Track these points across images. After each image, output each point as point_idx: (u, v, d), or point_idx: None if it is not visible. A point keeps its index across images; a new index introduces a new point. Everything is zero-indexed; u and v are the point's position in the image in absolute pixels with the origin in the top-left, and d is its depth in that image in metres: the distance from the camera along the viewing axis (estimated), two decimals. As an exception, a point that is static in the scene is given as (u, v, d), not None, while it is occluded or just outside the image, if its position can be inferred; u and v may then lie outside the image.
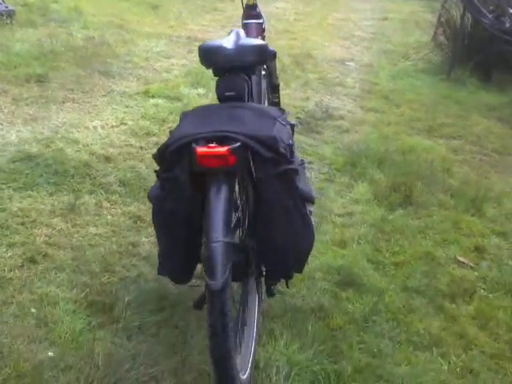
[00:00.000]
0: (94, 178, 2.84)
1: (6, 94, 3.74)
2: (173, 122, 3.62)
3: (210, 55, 1.91)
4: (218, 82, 1.90)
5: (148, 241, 2.46)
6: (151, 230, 2.50)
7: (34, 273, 2.14)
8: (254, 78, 2.04)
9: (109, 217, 2.56)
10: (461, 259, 2.66)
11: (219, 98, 1.90)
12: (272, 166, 1.56)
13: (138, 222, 2.57)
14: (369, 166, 3.37)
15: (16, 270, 2.13)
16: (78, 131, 3.34)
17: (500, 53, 5.51)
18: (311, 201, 1.69)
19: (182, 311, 2.08)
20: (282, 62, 5.43)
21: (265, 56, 1.97)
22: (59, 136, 3.19)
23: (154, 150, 3.01)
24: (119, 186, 2.81)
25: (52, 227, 2.42)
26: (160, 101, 3.96)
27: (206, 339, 1.54)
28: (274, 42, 6.23)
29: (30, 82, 3.97)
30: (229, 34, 2.05)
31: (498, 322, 2.26)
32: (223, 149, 1.48)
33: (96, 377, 1.75)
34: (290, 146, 1.60)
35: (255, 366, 1.86)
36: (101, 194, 2.72)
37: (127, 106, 3.84)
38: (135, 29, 5.72)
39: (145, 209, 2.66)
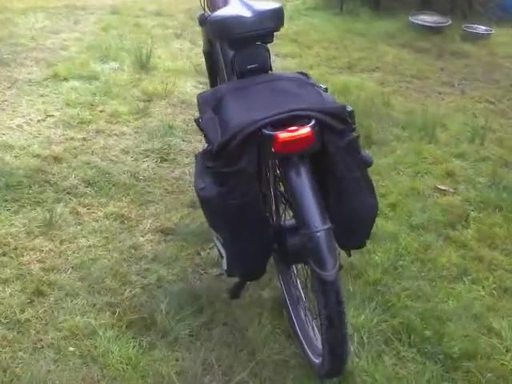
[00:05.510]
0: (54, 183, 2.54)
1: None
2: (102, 104, 3.34)
3: (227, 27, 1.75)
4: (235, 56, 1.76)
5: (145, 239, 2.27)
6: (142, 227, 2.35)
7: (48, 306, 1.89)
8: None
9: (93, 223, 2.31)
10: (441, 187, 2.76)
11: (241, 72, 1.76)
12: (340, 138, 1.46)
13: (126, 222, 2.35)
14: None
15: (28, 309, 1.86)
16: (4, 134, 2.95)
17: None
18: (370, 165, 1.62)
19: (221, 306, 1.96)
20: (178, 20, 5.17)
21: (283, 20, 1.82)
22: (-14, 144, 2.80)
23: (98, 139, 2.86)
24: (86, 187, 2.54)
25: (39, 250, 2.14)
26: (76, 83, 3.59)
27: (321, 330, 1.46)
28: None
29: None
30: None
31: (500, 238, 2.39)
32: (305, 130, 1.36)
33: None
34: (351, 113, 1.51)
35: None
36: (70, 199, 2.45)
37: (42, 95, 3.44)
38: (5, 6, 5.09)
39: (124, 205, 2.45)
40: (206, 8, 2.46)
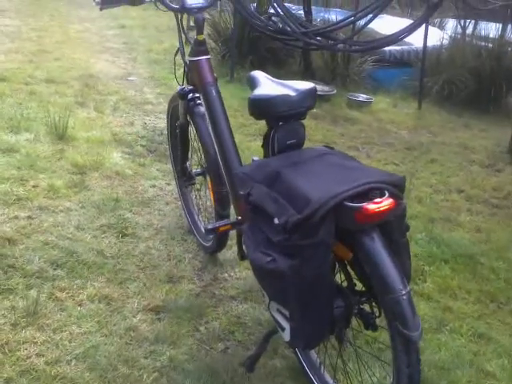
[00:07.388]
0: (20, 267, 2.33)
1: None
2: (32, 179, 3.15)
3: (272, 106, 1.84)
4: (274, 132, 1.83)
5: (139, 320, 2.17)
6: (130, 306, 2.26)
7: (69, 404, 1.73)
8: None
9: (78, 308, 2.16)
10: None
11: (280, 148, 1.83)
12: (398, 206, 1.57)
13: (112, 303, 2.23)
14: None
15: (49, 410, 1.69)
16: None
17: (269, 49, 6.09)
18: (409, 229, 1.72)
19: (242, 380, 1.95)
20: (74, 87, 5.05)
21: (316, 98, 1.93)
22: None
23: (45, 217, 2.70)
24: (55, 269, 2.37)
25: (33, 342, 1.95)
26: (-5, 156, 3.36)
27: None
28: (42, 65, 5.68)
29: None
30: (253, 78, 1.96)
31: (456, 289, 2.65)
32: (389, 201, 1.45)
33: None
34: None
35: None
36: (42, 284, 2.27)
37: (-39, 171, 3.16)
38: None
39: (102, 285, 2.33)
40: (185, 82, 2.50)
